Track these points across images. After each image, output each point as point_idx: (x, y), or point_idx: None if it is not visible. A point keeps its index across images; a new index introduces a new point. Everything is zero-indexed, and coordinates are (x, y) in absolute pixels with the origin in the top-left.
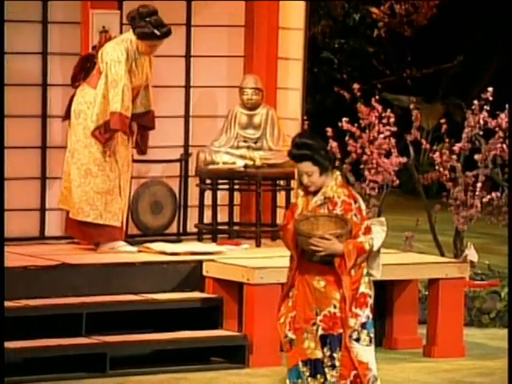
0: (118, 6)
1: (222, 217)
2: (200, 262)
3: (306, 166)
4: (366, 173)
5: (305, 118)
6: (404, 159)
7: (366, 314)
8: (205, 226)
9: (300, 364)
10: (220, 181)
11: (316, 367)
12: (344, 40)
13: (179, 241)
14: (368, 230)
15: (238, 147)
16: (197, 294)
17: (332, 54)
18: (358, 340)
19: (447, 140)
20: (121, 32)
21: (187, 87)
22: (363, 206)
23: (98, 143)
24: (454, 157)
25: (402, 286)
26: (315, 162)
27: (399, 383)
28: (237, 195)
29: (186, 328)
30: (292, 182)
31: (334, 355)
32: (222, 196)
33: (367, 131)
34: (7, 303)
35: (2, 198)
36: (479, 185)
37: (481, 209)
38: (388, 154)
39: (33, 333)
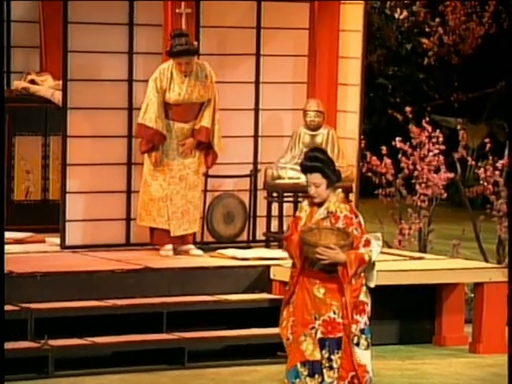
0: (195, 38)
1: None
2: (268, 267)
3: (316, 177)
4: (417, 187)
5: (362, 137)
6: (452, 175)
7: (364, 320)
8: (272, 235)
9: (298, 365)
10: (285, 194)
11: (314, 368)
12: (397, 67)
13: (249, 247)
14: (367, 243)
15: None
16: (264, 296)
17: (386, 80)
18: (357, 344)
19: (491, 157)
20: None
21: (256, 110)
22: (362, 221)
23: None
24: (497, 172)
25: (450, 289)
26: (324, 174)
27: (447, 377)
28: None
29: (255, 326)
30: (350, 195)
31: (332, 357)
32: (288, 207)
33: (418, 149)
34: (97, 303)
35: (2, 198)
36: None
37: None
38: (437, 170)
39: (119, 329)
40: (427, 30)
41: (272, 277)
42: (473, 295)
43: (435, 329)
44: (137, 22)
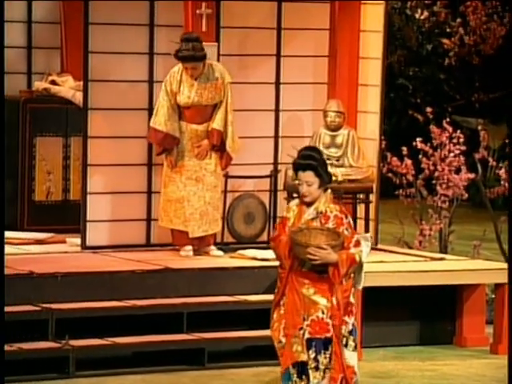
0: (216, 39)
1: None
2: None
3: (309, 175)
4: (438, 187)
5: (382, 138)
6: (472, 175)
7: (352, 321)
8: None
9: (290, 367)
10: None
11: (302, 369)
12: (418, 68)
13: (269, 248)
14: (358, 243)
15: None
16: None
17: (407, 80)
18: (346, 345)
19: None
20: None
21: (277, 111)
22: (352, 222)
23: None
24: None
25: (471, 289)
26: (317, 173)
27: (468, 378)
28: None
29: None
30: (371, 195)
31: (318, 358)
32: None
33: (439, 150)
34: (117, 303)
35: (3, 199)
36: None
37: None
38: (458, 171)
39: (140, 329)
40: (448, 30)
41: None
42: (494, 296)
43: (456, 330)
44: (157, 23)
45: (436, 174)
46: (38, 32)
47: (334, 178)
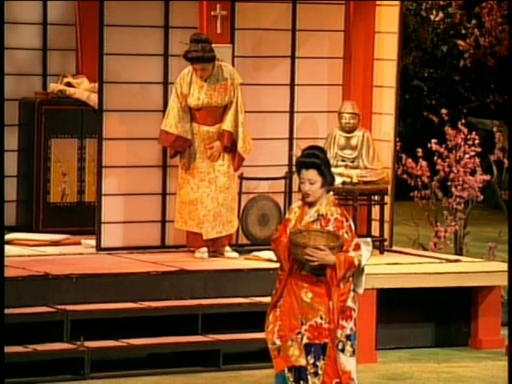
0: (231, 40)
1: None
2: None
3: (312, 173)
4: (453, 189)
5: (397, 139)
6: (488, 177)
7: (350, 326)
8: None
9: (286, 370)
10: None
11: (300, 374)
12: (433, 69)
13: None
14: (357, 247)
15: (336, 166)
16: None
17: (422, 82)
18: (342, 350)
19: None
20: (233, 65)
21: (291, 112)
22: (353, 225)
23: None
24: None
25: (487, 291)
26: (321, 172)
27: (483, 379)
28: None
29: None
30: (386, 197)
31: (317, 363)
32: None
33: (454, 151)
34: (132, 304)
35: (2, 199)
36: None
37: None
38: (473, 172)
39: (155, 331)
40: (463, 31)
41: None
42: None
43: (471, 331)
44: (172, 25)
45: (451, 175)
46: (53, 34)
47: (348, 180)
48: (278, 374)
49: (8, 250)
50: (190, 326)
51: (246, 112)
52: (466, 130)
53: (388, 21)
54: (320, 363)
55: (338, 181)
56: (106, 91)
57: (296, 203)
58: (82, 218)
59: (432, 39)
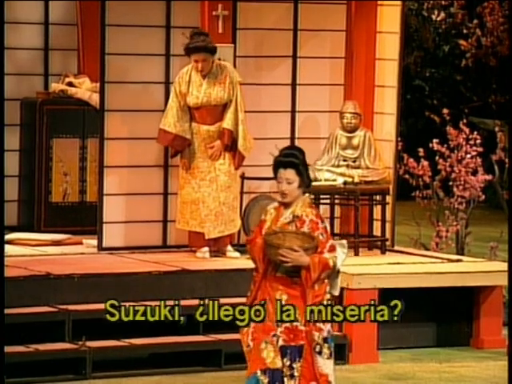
0: (232, 40)
1: None
2: None
3: (290, 173)
4: (455, 189)
5: (399, 139)
6: (489, 177)
7: (327, 328)
8: None
9: (258, 372)
10: (322, 196)
11: (275, 376)
12: (434, 69)
13: None
14: (332, 249)
15: (338, 166)
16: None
17: (423, 82)
18: (320, 353)
19: None
20: (234, 65)
21: (293, 112)
22: (328, 227)
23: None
24: None
25: (488, 291)
26: (299, 171)
27: (485, 380)
28: (337, 209)
29: None
30: (387, 197)
31: (293, 365)
32: (324, 209)
33: (456, 151)
34: (133, 304)
35: (2, 198)
36: None
37: None
38: (475, 172)
39: (156, 331)
40: (465, 31)
41: None
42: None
43: (473, 331)
44: (173, 25)
45: (453, 175)
46: (55, 33)
47: (350, 180)
48: (249, 376)
49: (10, 249)
50: (192, 326)
51: (247, 112)
52: (467, 130)
53: (390, 21)
54: (296, 365)
55: (340, 181)
56: (107, 91)
57: (272, 204)
58: (83, 218)
59: (434, 39)
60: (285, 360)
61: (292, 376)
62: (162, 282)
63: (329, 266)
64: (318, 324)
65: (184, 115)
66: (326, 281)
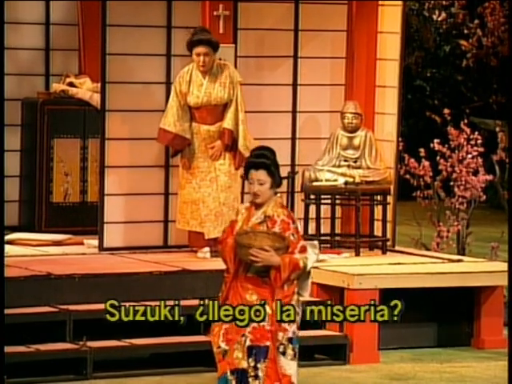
0: (233, 40)
1: (325, 228)
2: None
3: (262, 174)
4: (456, 189)
5: (400, 139)
6: (490, 177)
7: (292, 329)
8: (309, 237)
9: (228, 373)
10: (323, 196)
11: (242, 377)
12: (435, 69)
13: None
14: (303, 249)
15: (339, 166)
16: (302, 298)
17: (424, 82)
18: (283, 353)
19: None
20: (235, 65)
21: (294, 112)
22: (300, 228)
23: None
24: None
25: (489, 291)
26: (270, 172)
27: (486, 380)
28: (338, 209)
29: None
30: (388, 197)
31: (258, 366)
32: (325, 210)
33: (457, 151)
34: (134, 304)
35: (3, 198)
36: None
37: None
38: (476, 172)
39: (157, 331)
40: (466, 31)
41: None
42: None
43: (474, 332)
44: (175, 25)
45: (454, 175)
46: (56, 33)
47: (351, 180)
48: (220, 376)
49: (10, 249)
50: (192, 326)
51: (248, 112)
52: (468, 130)
53: (390, 21)
54: (261, 366)
55: (341, 181)
56: (108, 91)
57: (243, 204)
58: (84, 218)
59: (434, 39)
60: (250, 360)
61: (256, 376)
62: (163, 282)
63: (299, 267)
64: (283, 324)
65: (184, 115)
66: (295, 282)
